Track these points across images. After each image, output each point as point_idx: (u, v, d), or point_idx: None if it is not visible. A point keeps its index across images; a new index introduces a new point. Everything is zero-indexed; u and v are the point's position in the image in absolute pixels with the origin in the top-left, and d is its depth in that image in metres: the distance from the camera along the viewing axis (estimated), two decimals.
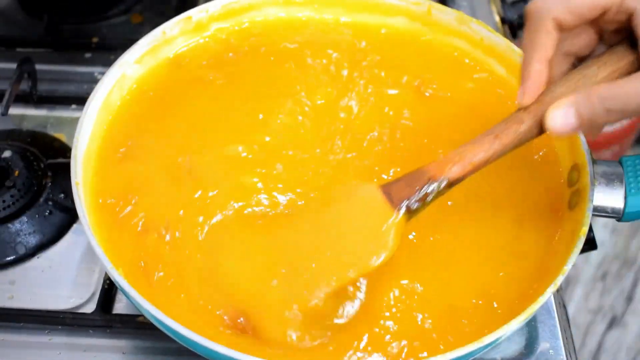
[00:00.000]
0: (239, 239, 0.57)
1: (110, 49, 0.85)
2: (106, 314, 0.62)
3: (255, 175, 0.61)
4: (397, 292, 0.55)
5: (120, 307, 0.64)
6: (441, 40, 0.72)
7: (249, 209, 0.59)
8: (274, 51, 0.72)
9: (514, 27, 0.91)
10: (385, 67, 0.70)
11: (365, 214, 0.54)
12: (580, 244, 0.53)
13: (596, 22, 0.53)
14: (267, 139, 0.64)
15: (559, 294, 0.67)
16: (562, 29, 0.51)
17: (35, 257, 0.67)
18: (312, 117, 0.66)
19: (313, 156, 0.63)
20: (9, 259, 0.66)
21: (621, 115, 0.48)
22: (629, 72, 0.50)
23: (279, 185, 0.61)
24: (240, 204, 0.59)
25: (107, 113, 0.64)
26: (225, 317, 0.53)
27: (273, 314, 0.53)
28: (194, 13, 0.70)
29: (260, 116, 0.66)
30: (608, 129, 1.60)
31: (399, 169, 0.62)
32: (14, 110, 0.78)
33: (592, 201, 0.55)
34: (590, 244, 0.62)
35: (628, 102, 0.47)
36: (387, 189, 0.53)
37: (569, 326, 0.65)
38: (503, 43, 0.68)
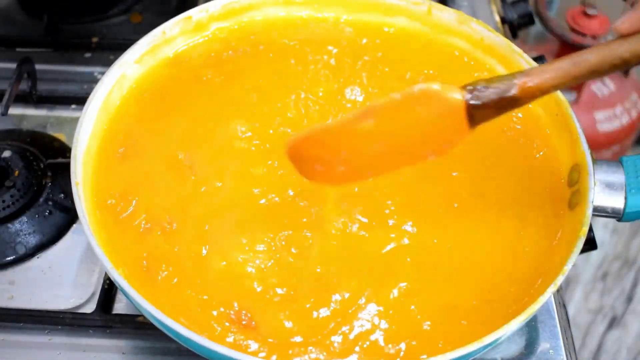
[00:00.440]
0: (243, 233, 0.57)
1: (110, 49, 0.85)
2: (106, 314, 0.62)
3: (257, 169, 0.61)
4: (396, 293, 0.55)
5: (120, 307, 0.64)
6: (441, 40, 0.72)
7: (252, 203, 0.59)
8: (273, 49, 0.72)
9: (514, 27, 0.91)
10: (388, 63, 0.70)
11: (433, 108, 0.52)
12: (580, 244, 0.53)
13: None
14: (270, 131, 0.64)
15: (559, 294, 0.67)
16: None
17: (35, 257, 0.67)
18: (316, 110, 0.66)
19: None
20: (8, 259, 0.66)
21: None
22: None
23: (281, 180, 0.61)
24: (243, 198, 0.59)
25: (107, 113, 0.64)
26: (231, 312, 0.53)
27: (277, 309, 0.53)
28: (194, 13, 0.70)
29: (262, 110, 0.66)
30: (608, 128, 1.60)
31: None
32: (14, 110, 0.78)
33: (592, 201, 0.55)
34: (590, 244, 0.62)
35: None
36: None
37: (569, 326, 0.65)
38: (503, 43, 0.68)
